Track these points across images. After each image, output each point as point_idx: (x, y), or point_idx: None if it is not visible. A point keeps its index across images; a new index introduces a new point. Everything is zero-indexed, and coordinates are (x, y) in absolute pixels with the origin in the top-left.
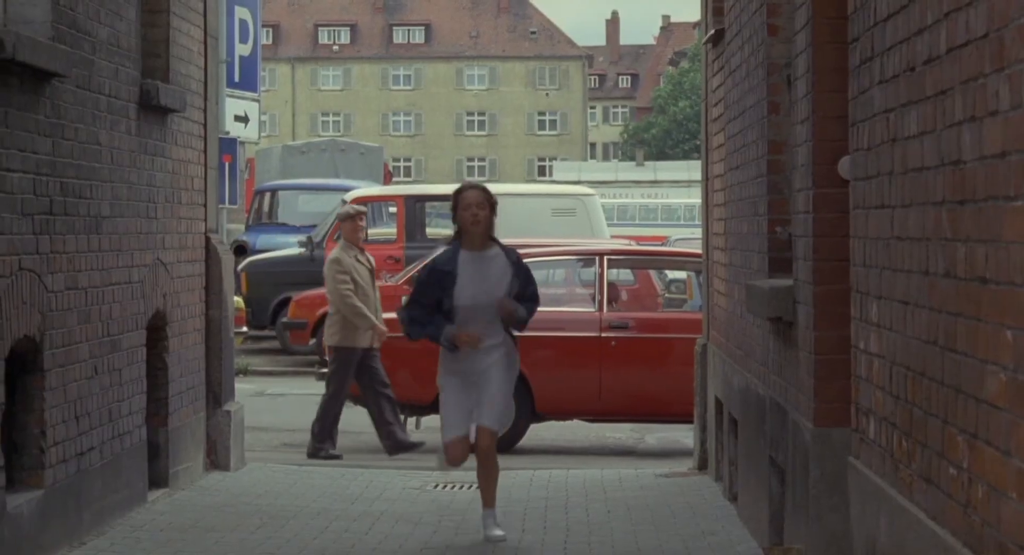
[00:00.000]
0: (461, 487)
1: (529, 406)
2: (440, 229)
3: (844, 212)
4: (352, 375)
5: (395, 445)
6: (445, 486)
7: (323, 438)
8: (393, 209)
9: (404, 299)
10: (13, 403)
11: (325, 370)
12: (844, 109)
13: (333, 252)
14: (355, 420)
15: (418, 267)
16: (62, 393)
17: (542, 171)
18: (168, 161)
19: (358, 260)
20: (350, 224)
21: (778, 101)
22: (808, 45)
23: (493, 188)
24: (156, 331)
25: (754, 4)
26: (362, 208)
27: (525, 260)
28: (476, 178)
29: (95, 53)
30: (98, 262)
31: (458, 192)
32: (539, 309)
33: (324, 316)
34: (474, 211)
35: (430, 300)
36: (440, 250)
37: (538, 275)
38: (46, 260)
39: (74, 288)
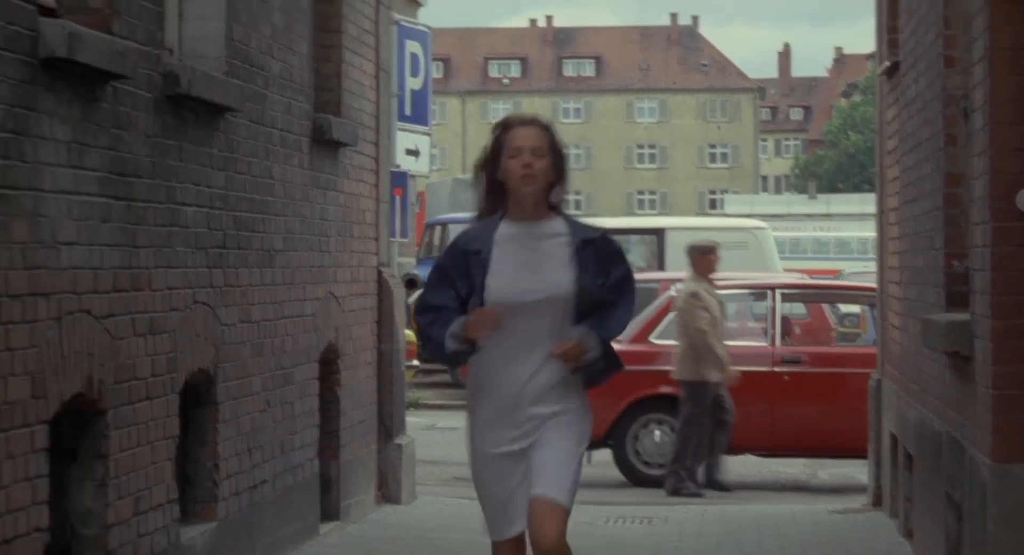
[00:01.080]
0: (632, 522)
1: None
2: None
3: (1023, 246)
4: (708, 410)
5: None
6: (617, 521)
7: (683, 476)
8: None
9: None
10: (187, 436)
11: None
12: (1022, 142)
13: (687, 285)
14: None
15: None
16: (235, 426)
17: (713, 204)
18: (340, 195)
19: (710, 294)
20: (705, 258)
21: (955, 133)
22: (986, 77)
23: (664, 222)
24: (328, 364)
25: (930, 36)
26: (716, 242)
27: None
28: (647, 212)
29: (268, 88)
30: (271, 295)
31: (504, 127)
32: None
33: None
34: (527, 158)
35: (451, 298)
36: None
37: None
38: (220, 293)
39: (247, 321)
